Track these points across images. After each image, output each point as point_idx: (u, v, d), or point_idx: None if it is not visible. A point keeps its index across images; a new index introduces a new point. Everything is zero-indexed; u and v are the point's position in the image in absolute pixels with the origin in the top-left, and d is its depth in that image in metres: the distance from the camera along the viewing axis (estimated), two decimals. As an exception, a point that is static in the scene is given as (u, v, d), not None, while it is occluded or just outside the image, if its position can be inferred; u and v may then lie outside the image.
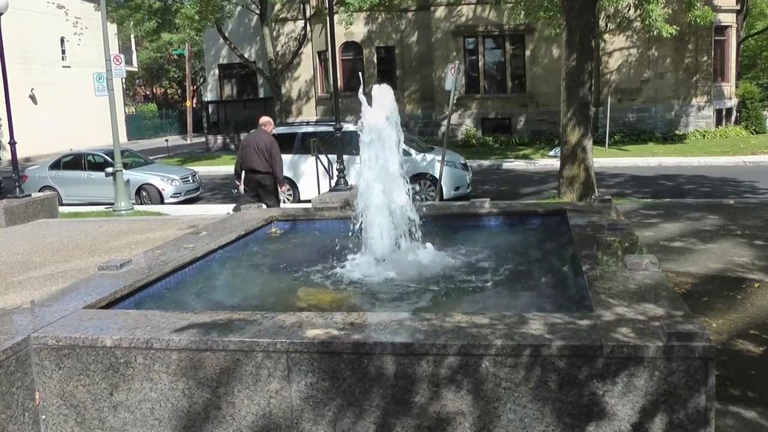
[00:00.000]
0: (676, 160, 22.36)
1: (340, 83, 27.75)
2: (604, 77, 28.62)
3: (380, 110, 6.76)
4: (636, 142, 26.99)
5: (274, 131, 18.23)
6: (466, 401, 3.87)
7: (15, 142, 14.92)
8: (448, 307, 5.50)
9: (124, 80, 44.98)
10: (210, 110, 36.33)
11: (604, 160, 22.14)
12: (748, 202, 13.30)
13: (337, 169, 13.06)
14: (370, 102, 6.81)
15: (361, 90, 6.81)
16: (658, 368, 3.66)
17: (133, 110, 55.70)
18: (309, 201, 12.62)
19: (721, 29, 29.22)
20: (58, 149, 31.02)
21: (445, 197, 15.55)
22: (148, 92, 67.80)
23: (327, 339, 4.01)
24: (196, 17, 26.92)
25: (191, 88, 50.13)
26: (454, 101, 16.23)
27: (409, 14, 30.51)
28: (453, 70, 15.01)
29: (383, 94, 6.81)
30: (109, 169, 16.83)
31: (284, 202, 15.65)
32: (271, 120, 13.15)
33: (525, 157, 25.00)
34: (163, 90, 67.16)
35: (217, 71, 35.59)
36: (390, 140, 6.74)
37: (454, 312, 4.52)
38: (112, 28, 32.18)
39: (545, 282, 5.96)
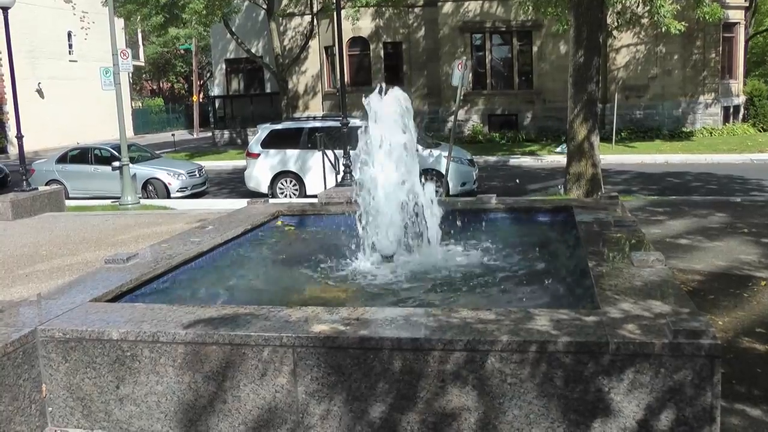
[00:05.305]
0: (682, 158, 22.27)
1: (347, 78, 27.74)
2: (611, 74, 28.51)
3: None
4: (643, 139, 26.88)
5: (279, 126, 18.35)
6: (471, 397, 3.88)
7: (22, 136, 14.96)
8: (451, 301, 5.50)
9: (130, 75, 45.03)
10: (217, 105, 36.31)
11: (611, 156, 22.07)
12: (755, 200, 13.25)
13: (343, 164, 13.06)
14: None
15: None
16: (664, 365, 3.66)
17: (140, 105, 55.80)
18: (315, 196, 12.63)
19: (730, 26, 29.05)
20: (64, 143, 31.07)
21: (451, 193, 15.53)
22: (154, 87, 67.84)
23: (333, 334, 4.02)
24: (204, 12, 26.91)
25: (198, 82, 50.15)
26: (461, 97, 16.20)
27: (417, 10, 30.43)
28: (460, 66, 14.98)
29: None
30: (116, 163, 16.85)
31: None
32: None
33: (531, 153, 24.94)
34: (169, 84, 67.21)
35: (223, 66, 35.58)
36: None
37: (460, 307, 4.52)
38: (119, 22, 32.20)
39: (551, 278, 5.95)
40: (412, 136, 6.78)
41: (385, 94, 6.84)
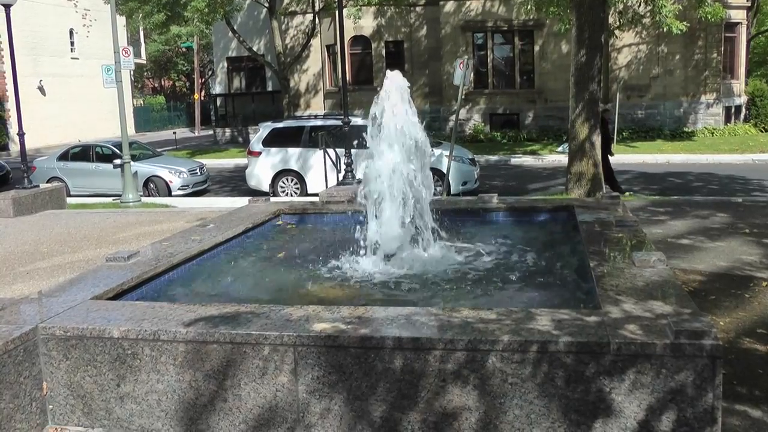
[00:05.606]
0: (684, 158, 22.26)
1: (348, 77, 27.71)
2: (612, 73, 28.48)
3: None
4: (644, 139, 26.86)
5: (281, 125, 18.36)
6: (472, 396, 3.87)
7: (24, 133, 14.97)
8: (451, 299, 5.50)
9: (132, 72, 45.03)
10: (218, 103, 36.31)
11: (612, 156, 22.03)
12: (757, 201, 13.24)
13: (344, 163, 13.06)
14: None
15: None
16: (666, 366, 3.66)
17: (142, 102, 55.78)
18: (316, 194, 12.63)
19: (731, 26, 29.03)
20: (66, 140, 31.11)
21: (452, 192, 15.52)
22: (156, 84, 67.85)
23: (334, 333, 4.02)
24: (206, 10, 26.90)
25: (199, 80, 50.15)
26: (463, 96, 16.18)
27: (418, 8, 30.43)
28: (461, 65, 14.96)
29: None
30: (117, 161, 16.85)
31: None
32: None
33: (533, 152, 24.93)
34: (171, 82, 67.20)
35: (225, 64, 35.58)
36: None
37: (461, 307, 4.52)
38: (121, 20, 32.17)
39: (552, 278, 5.95)
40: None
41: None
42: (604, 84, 25.18)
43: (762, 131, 28.40)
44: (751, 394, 4.77)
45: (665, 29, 24.28)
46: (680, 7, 25.08)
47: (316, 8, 31.38)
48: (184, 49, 58.47)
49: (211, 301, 5.26)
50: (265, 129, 17.95)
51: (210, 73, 53.57)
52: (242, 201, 11.97)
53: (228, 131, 34.88)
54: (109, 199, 16.70)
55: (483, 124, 29.57)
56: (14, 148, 33.43)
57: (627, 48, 28.54)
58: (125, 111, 17.11)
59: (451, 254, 6.70)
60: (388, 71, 7.10)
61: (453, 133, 16.50)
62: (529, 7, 25.03)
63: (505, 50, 30.22)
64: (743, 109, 29.77)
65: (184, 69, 62.36)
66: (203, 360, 4.19)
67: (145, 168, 18.36)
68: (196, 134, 43.85)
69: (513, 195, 15.05)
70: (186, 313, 4.48)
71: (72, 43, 40.81)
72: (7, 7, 14.16)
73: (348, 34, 28.46)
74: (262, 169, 17.34)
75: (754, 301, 6.69)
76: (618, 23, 26.10)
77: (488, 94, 29.82)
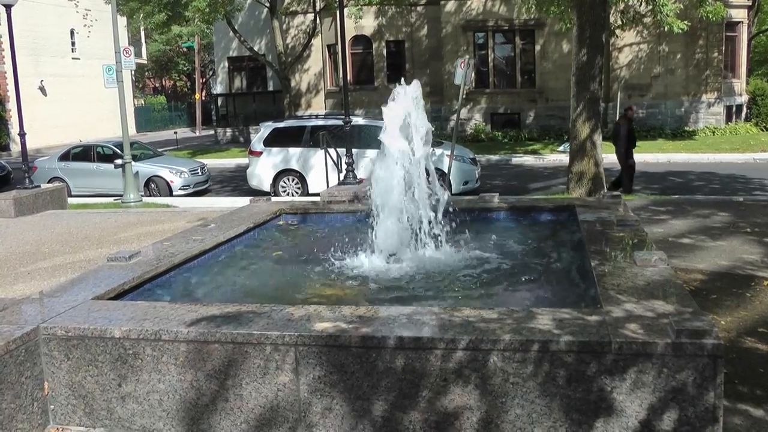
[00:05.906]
0: (685, 157, 22.24)
1: (349, 77, 27.72)
2: (614, 73, 28.48)
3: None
4: (645, 138, 26.78)
5: (282, 125, 18.37)
6: (473, 396, 3.87)
7: (25, 134, 14.97)
8: (452, 298, 5.50)
9: (133, 72, 45.04)
10: (219, 103, 36.31)
11: (613, 156, 21.97)
12: (758, 200, 13.24)
13: (346, 163, 13.06)
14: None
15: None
16: (667, 365, 3.65)
17: (143, 102, 55.80)
18: (317, 194, 12.63)
19: (732, 25, 29.01)
20: (67, 141, 31.10)
21: (453, 192, 15.52)
22: (157, 84, 67.85)
23: (335, 332, 4.02)
24: (207, 10, 26.91)
25: (200, 80, 50.15)
26: (464, 96, 16.18)
27: (419, 8, 30.42)
28: (462, 65, 14.96)
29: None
30: (118, 161, 16.86)
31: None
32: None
33: (534, 152, 24.91)
34: (172, 82, 67.19)
35: (226, 64, 35.58)
36: None
37: (462, 306, 4.52)
38: (122, 20, 32.17)
39: (554, 277, 5.95)
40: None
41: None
42: (605, 83, 25.16)
43: (763, 130, 28.37)
44: (753, 393, 4.77)
45: (666, 28, 24.24)
46: (681, 7, 25.05)
47: (317, 8, 31.38)
48: (185, 49, 58.47)
49: (212, 301, 5.26)
50: (266, 129, 17.95)
51: (211, 72, 53.56)
52: (243, 201, 11.97)
53: (229, 131, 34.88)
54: (110, 199, 16.70)
55: (484, 123, 29.57)
56: (15, 148, 33.46)
57: (628, 47, 28.52)
58: (126, 111, 17.10)
59: (450, 253, 6.69)
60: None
61: (454, 132, 16.49)
62: (530, 6, 25.00)
63: (506, 50, 30.21)
64: (744, 108, 29.76)
65: (185, 69, 62.37)
66: (205, 360, 4.20)
67: (146, 168, 18.36)
68: (197, 134, 43.85)
69: (514, 194, 15.03)
70: (187, 313, 4.48)
71: (73, 44, 40.81)
72: (8, 7, 14.16)
73: (349, 34, 28.45)
74: (263, 169, 17.34)
75: (755, 300, 6.69)
76: (619, 22, 26.07)
77: (489, 93, 29.81)
